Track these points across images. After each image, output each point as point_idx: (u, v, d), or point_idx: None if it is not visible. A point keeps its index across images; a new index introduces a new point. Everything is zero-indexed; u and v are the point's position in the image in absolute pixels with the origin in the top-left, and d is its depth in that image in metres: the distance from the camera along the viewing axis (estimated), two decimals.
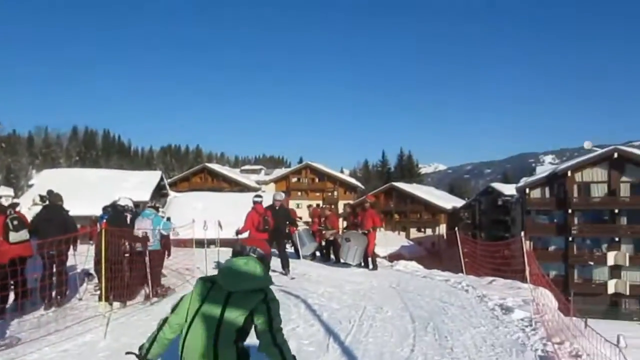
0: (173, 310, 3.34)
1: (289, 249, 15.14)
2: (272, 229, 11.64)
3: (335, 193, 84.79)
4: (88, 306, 8.67)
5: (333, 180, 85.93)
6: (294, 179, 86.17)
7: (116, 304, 8.63)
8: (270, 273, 3.59)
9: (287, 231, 12.80)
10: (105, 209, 11.95)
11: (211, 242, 12.50)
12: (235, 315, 3.14)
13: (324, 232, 16.31)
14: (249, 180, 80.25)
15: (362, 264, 14.04)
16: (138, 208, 11.69)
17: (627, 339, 5.56)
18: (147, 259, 9.58)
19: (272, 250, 11.67)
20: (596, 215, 45.80)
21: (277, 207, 12.09)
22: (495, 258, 13.00)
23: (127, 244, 9.36)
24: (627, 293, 43.47)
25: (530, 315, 8.46)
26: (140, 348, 3.35)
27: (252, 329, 3.25)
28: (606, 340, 4.81)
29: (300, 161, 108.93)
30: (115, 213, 9.37)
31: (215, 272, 3.54)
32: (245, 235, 11.52)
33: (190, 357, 3.13)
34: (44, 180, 37.38)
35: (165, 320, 3.34)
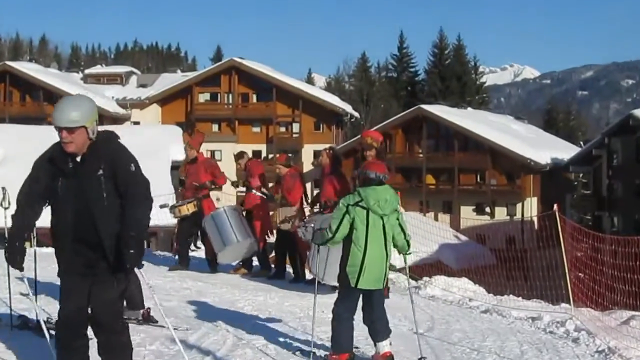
0: (337, 229, 6.58)
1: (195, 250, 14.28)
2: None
3: (296, 126, 57.31)
4: None
5: (291, 98, 56.29)
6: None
7: None
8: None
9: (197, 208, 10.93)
10: None
11: None
12: (390, 228, 6.79)
13: (271, 212, 12.34)
14: (104, 98, 53.92)
15: None
16: None
17: None
18: None
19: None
20: None
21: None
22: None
23: None
24: None
25: None
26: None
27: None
28: None
29: (218, 57, 75.69)
30: None
31: None
32: None
33: (373, 254, 6.57)
34: None
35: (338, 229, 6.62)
